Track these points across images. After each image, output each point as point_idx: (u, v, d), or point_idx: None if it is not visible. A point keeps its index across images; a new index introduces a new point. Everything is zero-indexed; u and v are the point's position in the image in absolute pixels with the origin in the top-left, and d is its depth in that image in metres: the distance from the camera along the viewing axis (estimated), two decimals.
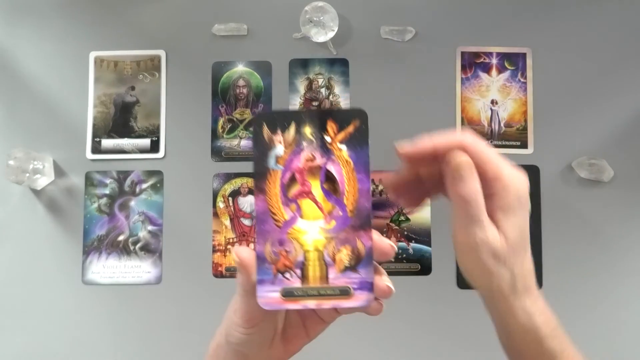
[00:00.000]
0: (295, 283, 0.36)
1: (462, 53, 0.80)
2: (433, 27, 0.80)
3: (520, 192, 0.41)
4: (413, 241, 0.77)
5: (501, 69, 0.80)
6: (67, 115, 0.80)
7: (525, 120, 0.79)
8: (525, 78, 0.79)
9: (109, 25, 0.81)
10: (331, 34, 0.76)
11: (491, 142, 0.78)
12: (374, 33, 0.80)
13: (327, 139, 0.37)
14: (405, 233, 0.77)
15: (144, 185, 0.79)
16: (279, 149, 0.37)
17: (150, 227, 0.78)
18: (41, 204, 0.78)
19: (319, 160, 0.37)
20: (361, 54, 0.79)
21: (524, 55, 0.79)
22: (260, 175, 0.37)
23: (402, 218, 0.77)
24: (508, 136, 0.79)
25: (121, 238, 0.78)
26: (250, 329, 0.38)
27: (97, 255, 0.78)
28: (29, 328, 0.76)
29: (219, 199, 0.78)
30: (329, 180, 0.37)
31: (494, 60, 0.80)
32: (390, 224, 0.77)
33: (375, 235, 0.37)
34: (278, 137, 0.37)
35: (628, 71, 0.79)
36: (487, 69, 0.79)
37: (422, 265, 0.77)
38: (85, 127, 0.79)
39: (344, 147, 0.37)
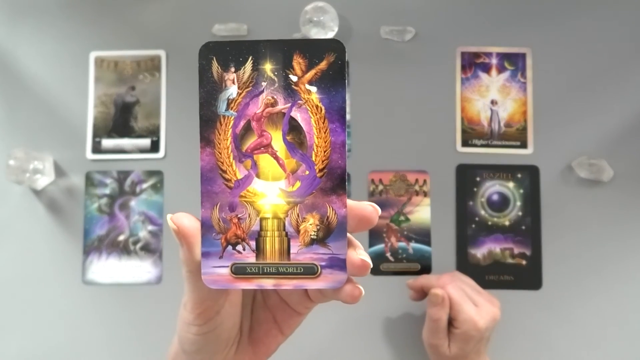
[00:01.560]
0: (249, 258, 0.30)
1: (462, 53, 0.80)
2: (433, 27, 0.80)
3: (473, 328, 0.65)
4: (413, 241, 0.77)
5: (501, 69, 0.80)
6: (68, 115, 0.80)
7: (525, 120, 0.79)
8: (525, 78, 0.79)
9: (109, 25, 0.81)
10: (331, 34, 0.76)
11: (491, 142, 0.79)
12: (374, 33, 0.80)
13: (293, 78, 0.30)
14: (405, 233, 0.77)
15: (144, 185, 0.79)
16: (232, 90, 0.30)
17: (150, 227, 0.78)
18: (41, 204, 0.78)
19: (282, 104, 0.30)
20: (361, 54, 0.79)
21: (523, 55, 0.79)
22: (208, 122, 0.30)
23: (402, 218, 0.77)
24: (508, 136, 0.79)
25: (121, 238, 0.78)
26: (204, 325, 0.32)
27: (97, 255, 0.78)
28: (29, 328, 0.76)
29: None
30: (294, 130, 0.30)
31: (494, 60, 0.80)
32: (391, 224, 0.77)
33: (350, 201, 0.30)
34: (230, 75, 0.30)
35: (628, 71, 0.79)
36: (487, 69, 0.80)
37: (422, 265, 0.77)
38: (86, 127, 0.80)
39: (313, 89, 0.30)
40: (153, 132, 0.79)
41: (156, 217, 0.78)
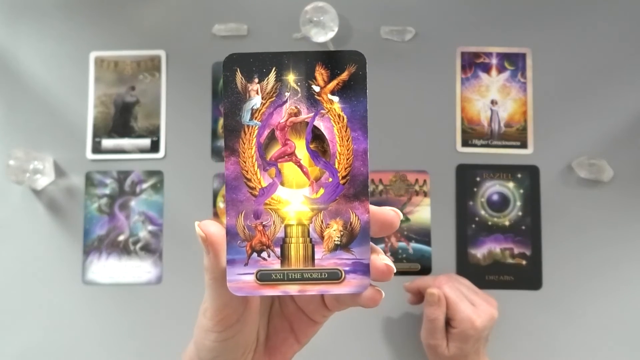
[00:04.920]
0: (274, 264, 0.30)
1: (462, 53, 0.80)
2: (433, 27, 0.80)
3: (470, 328, 0.65)
4: (413, 241, 0.77)
5: (501, 69, 0.80)
6: (68, 115, 0.80)
7: (525, 120, 0.79)
8: (525, 78, 0.79)
9: (109, 25, 0.81)
10: (331, 34, 0.76)
11: (491, 142, 0.79)
12: (374, 33, 0.80)
13: (316, 88, 0.31)
14: (405, 233, 0.77)
15: (144, 185, 0.79)
16: (256, 100, 0.31)
17: (150, 227, 0.78)
18: (41, 204, 0.78)
19: (305, 114, 0.31)
20: None
21: (523, 55, 0.79)
22: (232, 132, 0.30)
23: (402, 218, 0.77)
24: (508, 136, 0.79)
25: (121, 238, 0.78)
26: (224, 332, 0.32)
27: (97, 255, 0.78)
28: (29, 328, 0.76)
29: (219, 199, 0.78)
30: (317, 139, 0.31)
31: (494, 61, 0.80)
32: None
33: (373, 206, 0.31)
34: (254, 86, 0.30)
35: (628, 71, 0.79)
36: (487, 69, 0.80)
37: (422, 265, 0.77)
38: (86, 127, 0.80)
39: (336, 99, 0.31)
40: (153, 132, 0.79)
41: (156, 217, 0.78)
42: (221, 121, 0.79)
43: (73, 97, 0.80)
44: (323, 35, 0.76)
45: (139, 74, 0.80)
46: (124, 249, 0.78)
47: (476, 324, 0.65)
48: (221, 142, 0.79)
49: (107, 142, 0.79)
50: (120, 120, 0.80)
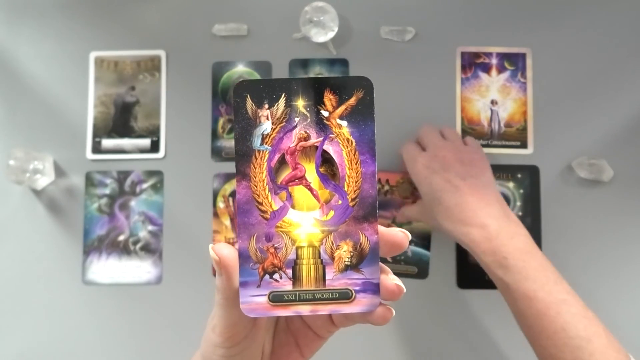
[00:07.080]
0: (286, 285, 0.31)
1: (462, 53, 0.80)
2: (433, 27, 0.80)
3: (411, 171, 0.67)
4: (412, 244, 0.77)
5: (501, 69, 0.80)
6: (68, 115, 0.80)
7: (525, 120, 0.79)
8: (525, 78, 0.79)
9: (109, 25, 0.81)
10: (331, 34, 0.76)
11: (491, 142, 0.79)
12: (374, 33, 0.80)
13: (325, 113, 0.32)
14: None
15: (144, 185, 0.79)
16: (266, 126, 0.31)
17: (150, 227, 0.78)
18: (41, 204, 0.78)
19: (315, 138, 0.32)
20: (361, 54, 0.79)
21: (523, 55, 0.79)
22: (243, 157, 0.31)
23: (404, 220, 0.77)
24: (508, 136, 0.79)
25: (121, 238, 0.78)
26: (232, 348, 0.33)
27: (97, 255, 0.78)
28: (29, 328, 0.76)
29: (219, 199, 0.78)
30: (327, 163, 0.32)
31: (494, 61, 0.80)
32: (392, 224, 0.77)
33: (382, 227, 0.32)
34: (264, 112, 0.31)
35: (628, 71, 0.79)
36: (487, 69, 0.80)
37: (420, 269, 0.77)
38: (86, 127, 0.80)
39: (344, 123, 0.32)
40: (153, 132, 0.79)
41: (156, 217, 0.78)
42: (221, 121, 0.79)
43: (73, 97, 0.80)
44: (323, 35, 0.76)
45: (139, 74, 0.80)
46: (124, 249, 0.78)
47: (412, 159, 0.69)
48: (221, 142, 0.79)
49: (107, 142, 0.79)
50: (120, 120, 0.80)
